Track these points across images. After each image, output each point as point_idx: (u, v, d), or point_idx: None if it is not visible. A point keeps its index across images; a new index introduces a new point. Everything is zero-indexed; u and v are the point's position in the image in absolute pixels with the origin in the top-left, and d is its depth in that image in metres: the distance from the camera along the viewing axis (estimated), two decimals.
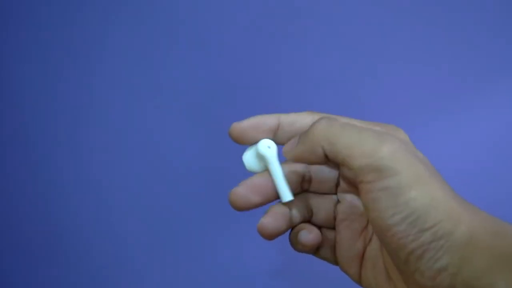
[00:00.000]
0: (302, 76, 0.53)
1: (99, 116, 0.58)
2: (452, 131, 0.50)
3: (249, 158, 0.29)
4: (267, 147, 0.28)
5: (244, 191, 0.28)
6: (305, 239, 0.28)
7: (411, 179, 0.23)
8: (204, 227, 0.56)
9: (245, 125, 0.28)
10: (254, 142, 0.29)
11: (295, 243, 0.29)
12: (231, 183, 0.29)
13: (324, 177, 0.29)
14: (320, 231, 0.29)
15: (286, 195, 0.28)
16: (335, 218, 0.29)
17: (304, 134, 0.26)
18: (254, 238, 0.55)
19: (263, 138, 0.28)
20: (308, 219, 0.30)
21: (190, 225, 0.56)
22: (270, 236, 0.28)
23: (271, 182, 0.28)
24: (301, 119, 0.28)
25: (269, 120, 0.28)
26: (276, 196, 0.28)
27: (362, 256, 0.28)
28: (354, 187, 0.28)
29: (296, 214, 0.29)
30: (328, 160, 0.26)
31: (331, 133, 0.25)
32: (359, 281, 0.28)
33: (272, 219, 0.28)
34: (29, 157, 0.60)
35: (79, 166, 0.58)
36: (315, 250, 0.30)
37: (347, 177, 0.28)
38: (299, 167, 0.29)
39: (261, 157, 0.28)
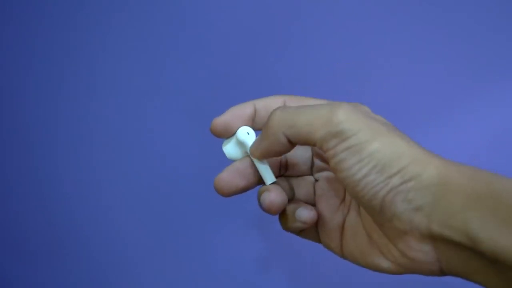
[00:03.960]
0: (302, 77, 0.53)
1: (99, 116, 0.58)
2: (452, 131, 0.50)
3: (229, 147, 0.30)
4: (246, 133, 0.29)
5: (229, 177, 0.29)
6: (306, 216, 0.28)
7: (369, 134, 0.24)
8: (203, 227, 0.56)
9: (227, 117, 0.29)
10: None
11: (292, 221, 0.29)
12: None
13: (298, 159, 0.30)
14: None
15: (270, 177, 0.29)
16: (314, 196, 0.30)
17: (264, 129, 0.27)
18: (252, 237, 0.55)
19: (242, 126, 0.29)
20: (291, 200, 0.30)
21: (189, 225, 0.56)
22: (278, 211, 0.28)
23: (252, 166, 0.29)
24: (274, 102, 0.29)
25: (246, 108, 0.29)
26: (258, 181, 0.29)
27: (343, 227, 0.29)
28: (327, 162, 0.29)
29: (287, 192, 0.30)
30: (292, 145, 0.26)
31: (288, 117, 0.26)
32: (341, 253, 0.29)
33: (275, 194, 0.28)
34: (29, 157, 0.60)
35: (79, 166, 0.58)
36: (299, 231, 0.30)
37: (319, 153, 0.29)
38: None
39: (241, 144, 0.29)
